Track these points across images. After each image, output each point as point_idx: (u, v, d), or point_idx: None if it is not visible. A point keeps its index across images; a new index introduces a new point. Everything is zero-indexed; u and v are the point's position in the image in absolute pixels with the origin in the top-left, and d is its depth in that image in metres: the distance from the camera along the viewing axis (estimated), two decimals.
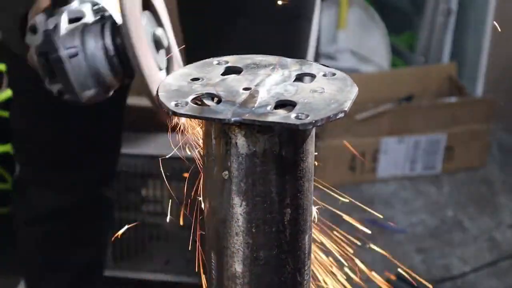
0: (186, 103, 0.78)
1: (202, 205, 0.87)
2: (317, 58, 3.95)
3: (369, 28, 4.40)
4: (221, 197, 0.81)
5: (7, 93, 2.86)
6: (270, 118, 0.75)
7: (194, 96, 0.80)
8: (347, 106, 0.78)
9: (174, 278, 2.86)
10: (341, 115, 0.77)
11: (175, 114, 0.76)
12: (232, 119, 0.75)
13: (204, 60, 0.88)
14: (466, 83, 4.13)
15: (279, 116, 0.76)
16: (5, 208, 3.10)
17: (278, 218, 0.81)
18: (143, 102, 2.87)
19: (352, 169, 3.69)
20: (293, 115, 0.75)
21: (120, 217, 2.81)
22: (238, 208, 0.80)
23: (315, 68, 0.86)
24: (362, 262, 3.12)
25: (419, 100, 3.85)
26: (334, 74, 0.85)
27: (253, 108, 0.77)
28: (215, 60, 0.88)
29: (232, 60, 0.88)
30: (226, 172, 0.79)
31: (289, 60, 0.88)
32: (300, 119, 0.75)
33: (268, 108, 0.77)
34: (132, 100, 2.96)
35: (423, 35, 4.36)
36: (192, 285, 2.80)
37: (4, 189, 3.21)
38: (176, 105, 0.77)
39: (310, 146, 0.82)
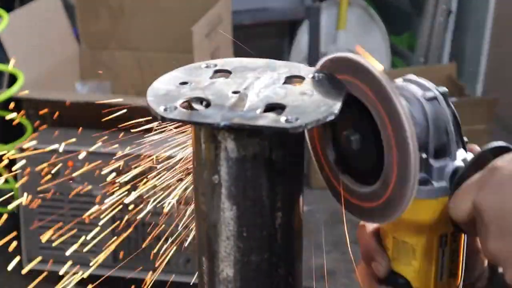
0: (175, 108, 0.76)
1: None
2: (317, 59, 3.95)
3: (369, 28, 4.40)
4: (211, 202, 0.80)
5: (7, 93, 2.85)
6: (260, 122, 0.74)
7: (183, 100, 0.78)
8: (337, 108, 0.77)
9: (174, 278, 2.85)
10: (331, 117, 0.76)
11: (164, 119, 0.75)
12: (221, 123, 0.74)
13: (192, 64, 0.87)
14: (466, 83, 4.13)
15: (269, 119, 0.75)
16: (6, 207, 3.10)
17: (269, 222, 0.80)
18: (143, 102, 2.86)
19: None
20: (282, 118, 0.74)
21: (120, 217, 2.81)
22: (229, 212, 0.79)
23: (304, 70, 0.85)
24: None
25: None
26: (323, 76, 0.84)
27: (242, 112, 0.75)
28: (203, 64, 0.87)
29: (220, 63, 0.87)
30: (216, 177, 0.78)
31: (277, 62, 0.87)
32: (290, 122, 0.74)
33: (258, 111, 0.76)
34: (132, 100, 2.96)
35: (423, 35, 4.35)
36: (192, 285, 2.80)
37: (5, 188, 3.21)
38: (165, 109, 0.76)
39: (301, 149, 0.81)
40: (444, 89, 0.85)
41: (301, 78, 0.83)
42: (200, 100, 0.79)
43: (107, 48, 3.51)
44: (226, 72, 0.85)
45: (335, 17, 4.36)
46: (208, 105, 0.78)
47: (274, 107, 0.77)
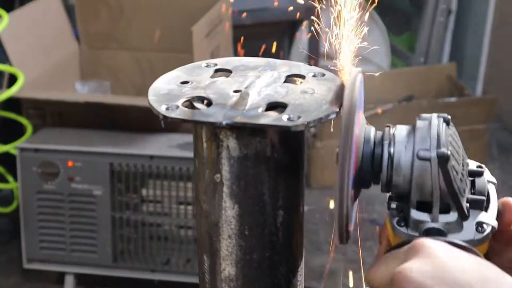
0: (177, 107, 0.77)
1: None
2: (317, 59, 3.95)
3: (369, 28, 4.40)
4: (213, 200, 0.80)
5: (7, 93, 2.85)
6: (262, 121, 0.74)
7: (185, 99, 0.79)
8: (338, 107, 0.77)
9: (174, 278, 2.85)
10: (333, 116, 0.76)
11: (166, 118, 0.75)
12: (224, 122, 0.74)
13: (193, 63, 0.87)
14: (466, 83, 4.13)
15: (271, 118, 0.75)
16: (6, 208, 3.10)
17: (271, 220, 0.80)
18: (143, 102, 2.86)
19: None
20: (284, 116, 0.75)
21: (120, 217, 2.81)
22: (231, 211, 0.79)
23: (304, 69, 0.85)
24: (362, 261, 3.13)
25: (419, 100, 3.84)
26: (323, 75, 0.84)
27: (244, 111, 0.76)
28: (204, 63, 0.87)
29: (221, 62, 0.87)
30: (218, 175, 0.78)
31: (278, 61, 0.87)
32: (292, 120, 0.74)
33: (259, 110, 0.76)
34: (132, 100, 2.96)
35: (423, 35, 4.35)
36: (192, 285, 2.80)
37: (5, 188, 3.21)
38: (167, 108, 0.76)
39: (302, 148, 0.82)
40: (445, 152, 0.78)
41: (302, 77, 0.84)
42: (201, 99, 0.79)
43: (107, 48, 3.51)
44: (226, 71, 0.85)
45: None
46: (209, 104, 0.78)
47: (275, 106, 0.77)
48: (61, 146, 2.83)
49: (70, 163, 2.81)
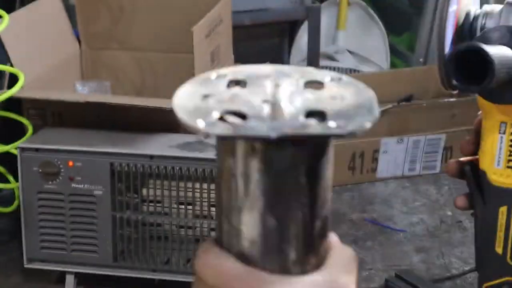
0: (215, 123, 0.71)
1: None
2: (317, 59, 3.95)
3: (369, 28, 4.40)
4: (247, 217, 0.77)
5: (7, 93, 2.85)
6: (311, 130, 0.70)
7: (219, 114, 0.72)
8: (377, 111, 0.73)
9: (174, 278, 2.85)
10: (375, 120, 0.71)
11: (209, 135, 0.70)
12: (273, 134, 0.69)
13: (201, 76, 0.80)
14: None
15: (320, 126, 0.71)
16: (6, 207, 3.09)
17: (309, 231, 0.78)
18: (143, 102, 2.86)
19: (352, 169, 3.69)
20: (331, 124, 0.71)
21: (120, 217, 2.80)
22: (268, 224, 0.77)
23: (319, 74, 0.82)
24: (362, 261, 3.13)
25: (419, 100, 3.84)
26: (340, 79, 0.80)
27: (286, 121, 0.72)
28: (213, 74, 0.81)
29: (229, 72, 0.81)
30: (255, 189, 0.75)
31: (285, 67, 0.82)
32: (341, 127, 0.70)
33: (301, 119, 0.72)
34: (132, 100, 2.96)
35: (423, 35, 4.36)
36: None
37: (5, 188, 3.20)
38: (206, 125, 0.71)
39: (332, 155, 0.79)
40: None
41: (320, 83, 0.80)
42: (232, 113, 0.74)
43: (107, 48, 3.51)
44: (240, 82, 0.80)
45: (335, 17, 4.36)
46: (242, 116, 0.74)
47: (312, 113, 0.74)
48: (62, 146, 2.82)
49: (70, 163, 2.80)
